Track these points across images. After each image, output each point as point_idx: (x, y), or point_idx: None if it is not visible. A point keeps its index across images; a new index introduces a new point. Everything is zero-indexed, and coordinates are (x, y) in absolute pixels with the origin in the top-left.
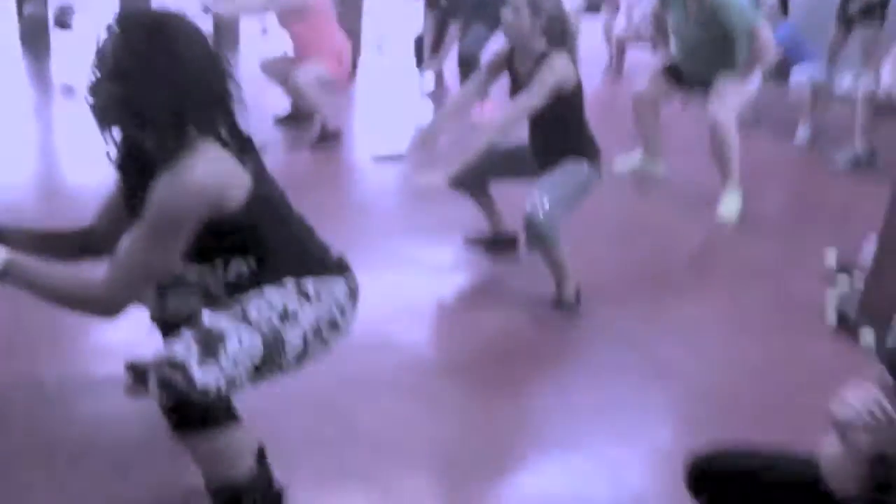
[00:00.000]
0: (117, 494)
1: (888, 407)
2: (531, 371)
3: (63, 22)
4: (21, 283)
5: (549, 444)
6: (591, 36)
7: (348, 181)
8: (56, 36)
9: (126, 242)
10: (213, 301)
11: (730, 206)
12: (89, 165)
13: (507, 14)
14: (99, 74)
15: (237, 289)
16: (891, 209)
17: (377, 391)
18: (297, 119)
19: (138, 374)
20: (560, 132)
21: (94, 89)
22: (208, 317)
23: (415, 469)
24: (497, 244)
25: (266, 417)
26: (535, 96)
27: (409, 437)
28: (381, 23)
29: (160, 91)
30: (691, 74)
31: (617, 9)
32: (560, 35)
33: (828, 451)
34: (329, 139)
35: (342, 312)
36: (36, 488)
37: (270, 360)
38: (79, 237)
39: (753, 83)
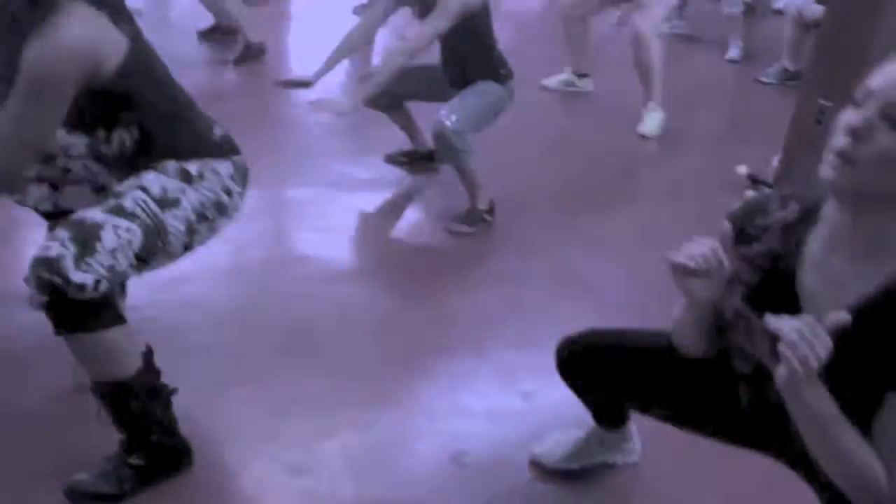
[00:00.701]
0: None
1: (720, 252)
2: (440, 278)
3: None
4: None
5: (458, 350)
6: None
7: (271, 100)
8: None
9: (1, 116)
10: (103, 192)
11: (651, 122)
12: None
13: None
14: None
15: (122, 163)
16: (792, 123)
17: (287, 301)
18: (219, 32)
19: None
20: (469, 54)
21: None
22: (82, 212)
23: (319, 374)
24: (417, 160)
25: (163, 325)
26: (442, 18)
27: (316, 344)
28: None
29: None
30: None
31: None
32: None
33: (675, 313)
34: (253, 56)
35: (228, 194)
36: None
37: (153, 249)
38: None
39: None
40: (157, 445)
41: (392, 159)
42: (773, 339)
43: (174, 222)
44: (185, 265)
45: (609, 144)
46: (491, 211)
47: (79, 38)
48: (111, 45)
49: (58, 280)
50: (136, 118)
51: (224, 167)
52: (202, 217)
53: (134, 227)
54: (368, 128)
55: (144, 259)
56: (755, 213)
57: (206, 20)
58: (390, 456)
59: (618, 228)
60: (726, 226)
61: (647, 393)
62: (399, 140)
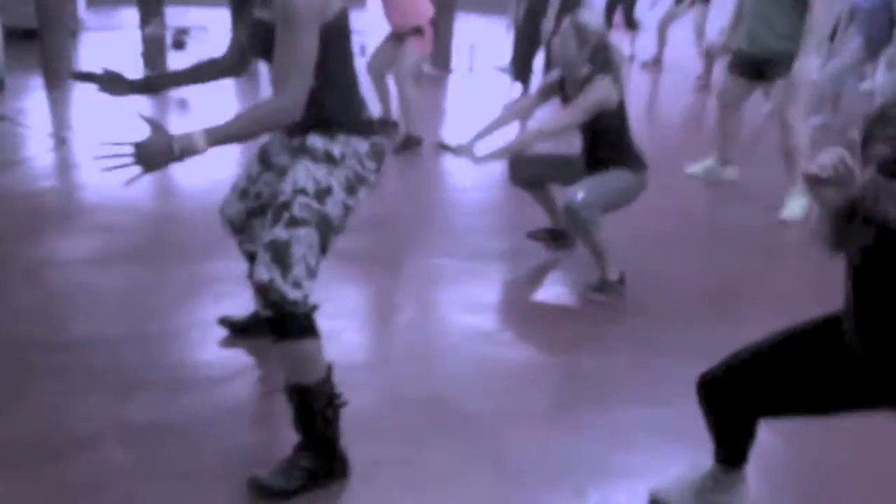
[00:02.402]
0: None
1: (850, 160)
2: (573, 335)
3: (179, 42)
4: (222, 142)
5: (586, 400)
6: (682, 34)
7: (426, 182)
8: (172, 55)
9: (279, 54)
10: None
11: (793, 206)
12: (196, 167)
13: (555, 43)
14: None
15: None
16: None
17: (434, 356)
18: (386, 125)
19: (228, 324)
20: (605, 145)
21: None
22: (269, 234)
23: (456, 428)
24: (555, 237)
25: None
26: (578, 111)
27: (456, 398)
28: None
29: None
30: (755, 48)
31: (707, 2)
32: (603, 62)
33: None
34: (412, 145)
35: (363, 166)
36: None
37: (327, 236)
38: (215, 65)
39: (813, 70)
40: (325, 450)
41: (533, 235)
42: None
43: (334, 209)
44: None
45: (748, 228)
46: (622, 281)
47: None
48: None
49: (278, 298)
50: (322, 73)
51: (362, 146)
52: (350, 191)
53: (310, 229)
54: (512, 208)
55: (325, 248)
56: (883, 119)
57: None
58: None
59: (751, 308)
60: (854, 135)
61: (787, 387)
62: (540, 220)
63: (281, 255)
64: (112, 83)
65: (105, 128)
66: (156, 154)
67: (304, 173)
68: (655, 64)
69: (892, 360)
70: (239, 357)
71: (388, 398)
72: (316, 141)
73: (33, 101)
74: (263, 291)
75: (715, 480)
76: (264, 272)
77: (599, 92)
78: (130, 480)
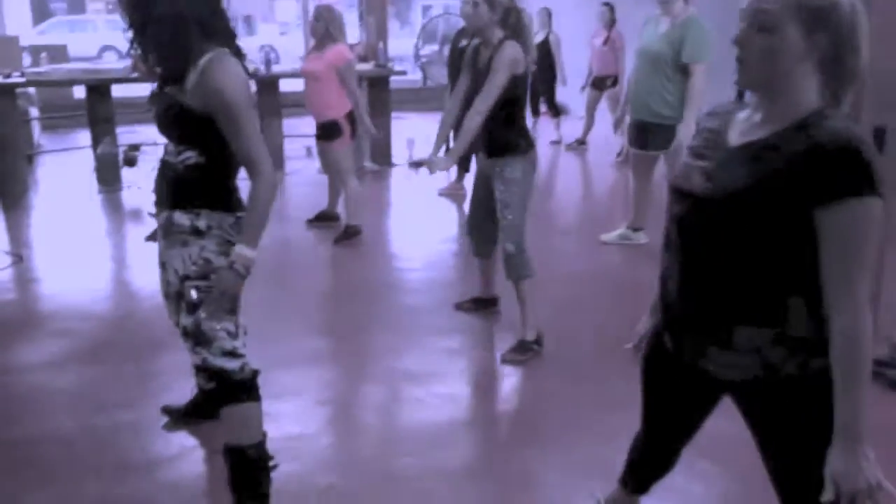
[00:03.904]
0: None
1: None
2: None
3: (130, 159)
4: (259, 238)
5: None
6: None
7: (365, 268)
8: (125, 171)
9: (233, 139)
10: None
11: None
12: (147, 267)
13: (466, 7)
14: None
15: (183, 172)
16: None
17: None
18: (323, 220)
19: (170, 412)
20: (502, 124)
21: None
22: (183, 322)
23: None
24: (481, 305)
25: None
26: (497, 74)
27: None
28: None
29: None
30: (641, 116)
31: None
32: (514, 26)
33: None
34: (350, 236)
35: (228, 234)
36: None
37: (233, 299)
38: None
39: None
40: None
41: (460, 306)
42: (705, 171)
43: (227, 278)
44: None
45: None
46: (538, 342)
47: (238, 68)
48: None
49: (218, 372)
50: (209, 148)
51: (228, 219)
52: (226, 254)
53: (211, 301)
54: (446, 285)
55: (232, 308)
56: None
57: (312, 212)
58: None
59: None
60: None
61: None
62: (466, 293)
63: (199, 338)
64: None
65: (59, 244)
66: (233, 287)
67: (180, 261)
68: (580, 144)
69: (707, 313)
70: (181, 439)
71: (317, 462)
72: (180, 218)
73: None
74: (203, 370)
75: None
76: (195, 357)
77: (510, 52)
78: None
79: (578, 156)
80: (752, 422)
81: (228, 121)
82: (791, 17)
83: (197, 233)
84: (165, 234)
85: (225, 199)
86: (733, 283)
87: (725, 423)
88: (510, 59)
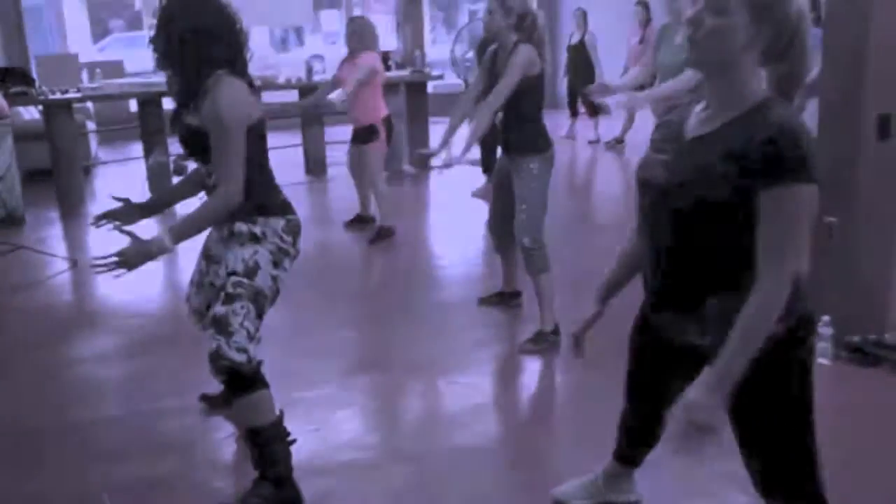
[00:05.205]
0: None
1: None
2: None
3: (179, 168)
4: (186, 237)
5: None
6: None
7: (400, 266)
8: (175, 180)
9: (217, 156)
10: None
11: None
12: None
13: (484, 18)
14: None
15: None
16: None
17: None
18: (360, 222)
19: (207, 400)
20: (519, 126)
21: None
22: (211, 312)
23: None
24: (504, 300)
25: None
26: (510, 76)
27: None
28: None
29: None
30: None
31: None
32: (528, 30)
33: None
34: (384, 236)
35: (282, 240)
36: None
37: (261, 304)
38: (194, 178)
39: None
40: (278, 481)
41: (485, 301)
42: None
43: (264, 282)
44: None
45: None
46: (556, 332)
47: (241, 93)
48: (255, 107)
49: (227, 363)
50: (250, 164)
51: (279, 223)
52: (276, 264)
53: (244, 302)
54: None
55: (261, 315)
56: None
57: (350, 215)
58: None
59: None
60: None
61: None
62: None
63: (222, 327)
64: (125, 215)
65: (111, 249)
66: (135, 257)
67: (233, 257)
68: (618, 143)
69: (680, 290)
70: (216, 422)
71: (341, 440)
72: (241, 226)
73: (51, 230)
74: (214, 359)
75: (608, 481)
76: (212, 342)
77: (524, 55)
78: None
79: (617, 155)
80: None
81: (217, 138)
82: (742, 3)
83: (255, 238)
84: (227, 238)
85: (271, 204)
86: (699, 261)
87: None
88: (524, 61)
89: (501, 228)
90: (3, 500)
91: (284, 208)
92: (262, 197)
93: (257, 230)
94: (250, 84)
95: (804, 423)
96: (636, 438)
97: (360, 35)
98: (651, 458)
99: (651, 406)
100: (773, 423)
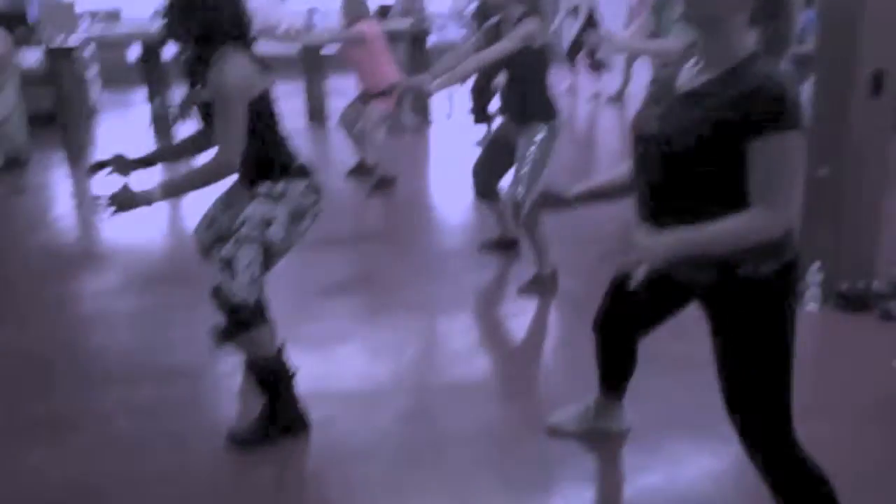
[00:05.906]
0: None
1: None
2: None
3: (184, 113)
4: (175, 194)
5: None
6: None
7: (399, 213)
8: (180, 126)
9: (217, 123)
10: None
11: None
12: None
13: None
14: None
15: (244, 159)
16: None
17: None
18: (362, 170)
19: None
20: (526, 89)
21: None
22: (220, 252)
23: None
24: (504, 245)
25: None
26: (508, 41)
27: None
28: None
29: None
30: None
31: None
32: (533, 3)
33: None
34: (385, 185)
35: (303, 200)
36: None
37: (269, 256)
38: (194, 142)
39: None
40: (283, 408)
41: (485, 246)
42: (658, 116)
43: (276, 236)
44: None
45: None
46: (554, 277)
47: (244, 66)
48: (259, 78)
49: (227, 301)
50: (259, 140)
51: (300, 185)
52: (295, 220)
53: (253, 246)
54: (473, 229)
55: (268, 265)
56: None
57: (349, 164)
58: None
59: None
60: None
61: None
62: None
63: (229, 266)
64: (119, 167)
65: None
66: (123, 202)
67: (252, 209)
68: (618, 98)
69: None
70: (223, 352)
71: (343, 372)
72: (265, 187)
73: (56, 173)
74: (216, 295)
75: (598, 409)
76: (217, 279)
77: (528, 27)
78: (132, 445)
79: (618, 110)
80: (714, 324)
81: (218, 108)
82: None
83: (274, 197)
84: (251, 196)
85: (291, 167)
86: (690, 204)
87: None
88: (525, 33)
89: (485, 177)
90: (19, 419)
91: (303, 171)
92: (275, 161)
93: (278, 188)
94: (260, 61)
95: (782, 366)
96: (614, 369)
97: (346, 9)
98: (640, 391)
99: (628, 332)
100: (753, 362)
